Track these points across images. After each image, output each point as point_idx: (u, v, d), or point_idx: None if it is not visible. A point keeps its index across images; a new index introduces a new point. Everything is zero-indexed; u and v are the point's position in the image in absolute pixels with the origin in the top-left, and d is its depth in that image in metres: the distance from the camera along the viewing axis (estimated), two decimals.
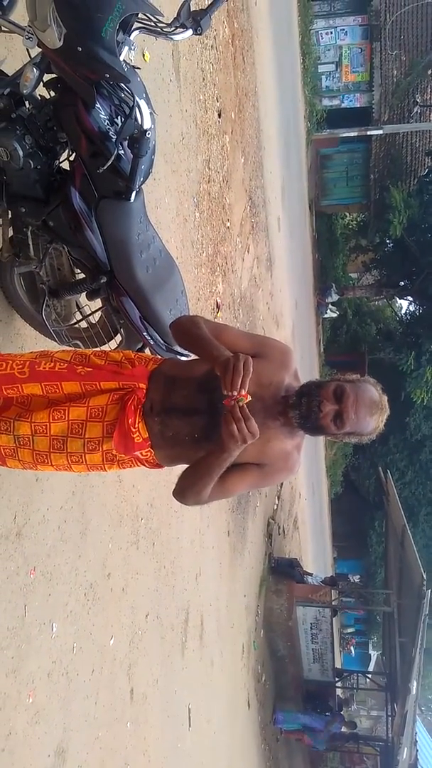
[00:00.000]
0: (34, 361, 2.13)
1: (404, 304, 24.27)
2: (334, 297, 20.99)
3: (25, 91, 2.20)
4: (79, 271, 2.67)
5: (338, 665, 14.69)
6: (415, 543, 11.62)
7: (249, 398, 1.86)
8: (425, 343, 18.79)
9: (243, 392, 1.84)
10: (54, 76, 2.22)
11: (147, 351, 2.69)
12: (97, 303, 2.74)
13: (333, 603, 11.26)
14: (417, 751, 12.11)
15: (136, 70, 2.20)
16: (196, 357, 2.16)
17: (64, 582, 3.37)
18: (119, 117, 2.19)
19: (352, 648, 27.04)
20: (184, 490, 2.08)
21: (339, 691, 13.85)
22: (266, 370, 2.09)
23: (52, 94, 2.28)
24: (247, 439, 1.84)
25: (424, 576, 9.80)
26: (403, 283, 20.83)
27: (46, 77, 2.23)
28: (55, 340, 2.87)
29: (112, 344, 2.87)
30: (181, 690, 5.46)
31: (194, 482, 2.05)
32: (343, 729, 12.19)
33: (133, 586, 4.38)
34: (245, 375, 1.83)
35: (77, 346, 2.86)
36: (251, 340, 2.18)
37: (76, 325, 2.92)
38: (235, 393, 1.84)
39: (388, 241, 20.29)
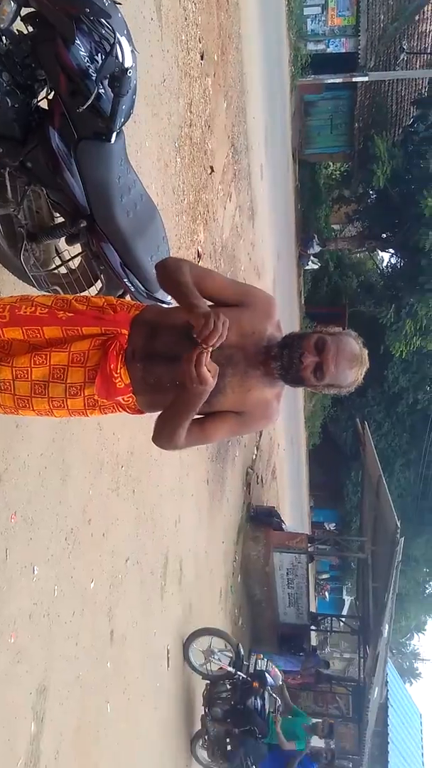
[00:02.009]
0: (15, 305, 2.11)
1: (386, 257, 24.18)
2: (316, 248, 20.83)
3: (1, 26, 2.13)
4: (58, 214, 2.63)
5: (313, 609, 15.12)
6: (390, 493, 11.85)
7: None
8: (405, 296, 18.78)
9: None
10: (32, 10, 2.15)
11: (128, 297, 2.67)
12: (77, 248, 2.71)
13: (309, 550, 11.50)
14: (387, 691, 12.60)
15: (117, 5, 2.14)
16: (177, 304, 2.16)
17: (45, 527, 3.41)
18: (99, 54, 2.13)
19: (326, 593, 27.75)
20: (158, 434, 2.11)
21: (313, 634, 14.25)
22: (249, 320, 2.10)
23: (30, 29, 2.20)
24: (195, 383, 1.87)
25: (398, 524, 10.02)
26: (385, 235, 20.70)
27: (24, 11, 2.16)
28: (34, 286, 2.84)
29: (93, 290, 2.85)
30: (160, 632, 5.61)
31: (165, 425, 2.07)
32: (319, 669, 12.58)
33: (114, 532, 4.44)
34: (221, 337, 1.85)
35: (56, 292, 2.83)
36: (236, 288, 2.18)
37: (56, 271, 2.89)
38: (208, 348, 1.86)
39: (371, 192, 20.04)
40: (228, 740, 7.01)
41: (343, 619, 17.85)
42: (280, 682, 8.08)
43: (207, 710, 6.96)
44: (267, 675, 7.34)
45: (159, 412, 2.23)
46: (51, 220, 2.66)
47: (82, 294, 2.60)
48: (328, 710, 14.22)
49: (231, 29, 8.53)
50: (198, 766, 7.32)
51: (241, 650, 7.36)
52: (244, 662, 7.39)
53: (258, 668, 7.53)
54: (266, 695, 7.23)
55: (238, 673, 7.05)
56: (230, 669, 7.08)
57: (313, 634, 14.13)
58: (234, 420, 2.15)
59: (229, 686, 7.14)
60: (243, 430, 2.25)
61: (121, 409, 2.24)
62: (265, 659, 7.73)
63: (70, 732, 3.66)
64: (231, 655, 7.31)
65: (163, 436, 2.09)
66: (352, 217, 21.82)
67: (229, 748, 7.00)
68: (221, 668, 7.16)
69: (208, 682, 7.18)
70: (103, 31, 2.11)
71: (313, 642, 14.14)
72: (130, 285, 2.63)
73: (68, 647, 3.68)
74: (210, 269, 2.37)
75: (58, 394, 2.12)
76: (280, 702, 7.72)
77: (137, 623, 4.92)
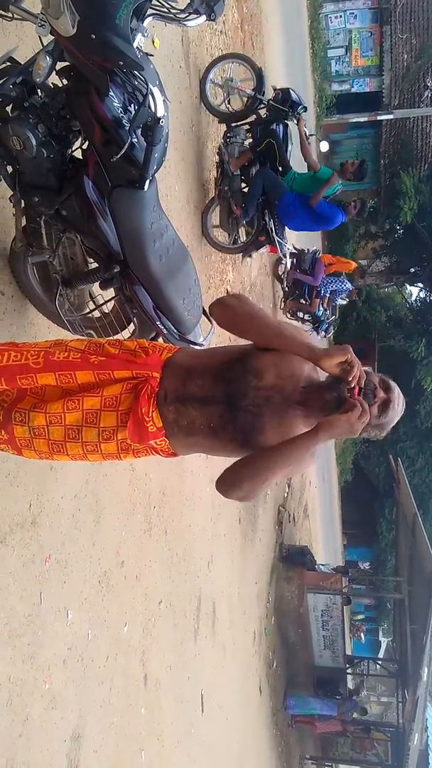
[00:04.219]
0: (48, 351, 2.13)
1: (414, 291, 24.12)
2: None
3: (38, 80, 2.19)
4: (92, 260, 2.67)
5: (348, 652, 14.78)
6: (426, 530, 11.62)
7: None
8: None
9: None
10: (67, 64, 2.21)
11: (160, 340, 2.69)
12: (111, 292, 2.74)
13: (344, 590, 11.28)
14: (428, 737, 12.15)
15: (148, 57, 2.19)
16: (211, 347, 2.16)
17: (78, 570, 3.40)
18: (133, 105, 2.18)
19: (362, 634, 27.13)
20: (240, 482, 2.03)
21: (349, 678, 13.89)
22: (288, 361, 2.09)
23: (65, 82, 2.27)
24: (352, 431, 1.96)
25: None
26: (413, 270, 20.71)
27: (59, 65, 2.22)
28: (69, 330, 2.87)
29: (125, 333, 2.87)
30: (194, 676, 5.50)
31: (258, 473, 2.00)
32: (355, 715, 12.23)
33: (147, 574, 4.40)
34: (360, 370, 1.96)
35: (90, 336, 2.86)
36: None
37: (90, 315, 2.93)
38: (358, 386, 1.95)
39: (398, 228, 20.14)
40: (244, 183, 6.05)
41: (380, 662, 17.39)
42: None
43: (223, 147, 6.02)
44: (292, 92, 6.19)
45: (191, 454, 2.22)
46: (85, 266, 2.70)
47: (114, 338, 2.62)
48: (366, 757, 13.79)
49: None
50: (214, 252, 6.45)
51: (264, 76, 6.16)
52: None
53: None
54: (288, 126, 6.17)
55: (259, 96, 5.95)
56: (250, 92, 6.00)
57: (349, 677, 13.77)
58: None
59: (248, 126, 6.11)
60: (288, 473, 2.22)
61: (154, 453, 2.23)
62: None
63: None
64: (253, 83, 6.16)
65: (248, 485, 2.02)
66: (380, 253, 21.88)
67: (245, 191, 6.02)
68: (241, 89, 6.07)
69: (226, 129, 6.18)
70: (136, 83, 2.15)
71: (350, 685, 13.79)
72: (162, 327, 2.64)
73: (102, 693, 3.63)
74: None
75: (91, 438, 2.11)
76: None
77: (171, 667, 4.84)
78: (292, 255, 8.65)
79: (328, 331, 11.53)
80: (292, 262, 9.20)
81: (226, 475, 2.06)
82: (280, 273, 10.15)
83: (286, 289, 10.18)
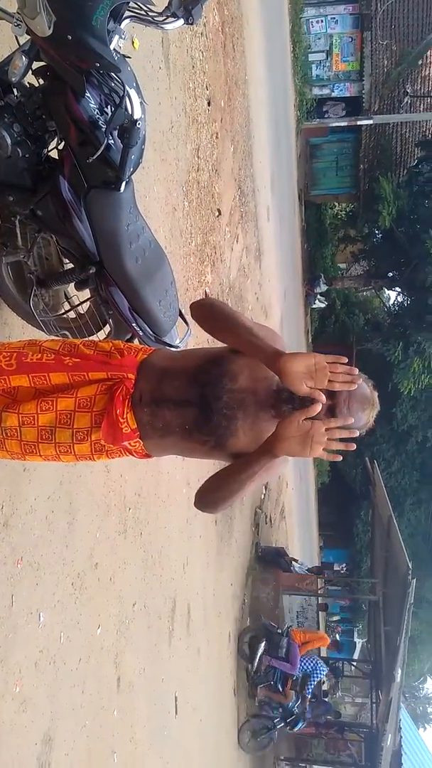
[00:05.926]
0: (22, 352, 2.11)
1: (392, 295, 24.33)
2: (323, 287, 21.00)
3: (13, 79, 2.18)
4: (67, 261, 2.66)
5: (324, 654, 14.81)
6: (401, 532, 11.72)
7: None
8: (413, 334, 18.86)
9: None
10: (43, 63, 2.20)
11: (136, 341, 2.68)
12: (86, 293, 2.73)
13: (319, 591, 11.33)
14: (401, 737, 12.24)
15: (126, 59, 2.19)
16: (188, 348, 2.16)
17: (51, 572, 3.37)
18: (109, 106, 2.17)
19: (337, 635, 27.21)
20: (217, 502, 2.07)
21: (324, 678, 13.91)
22: (260, 363, 2.08)
23: (41, 82, 2.26)
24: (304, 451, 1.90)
25: (410, 565, 9.88)
26: (391, 274, 20.86)
27: (35, 65, 2.21)
28: (43, 330, 2.86)
29: (101, 335, 2.86)
30: (168, 678, 5.49)
31: (227, 490, 2.03)
32: (329, 717, 12.27)
33: (121, 576, 4.39)
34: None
35: (65, 337, 2.85)
36: None
37: (65, 316, 2.91)
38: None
39: (377, 232, 20.29)
40: None
41: (355, 663, 17.46)
42: None
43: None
44: None
45: (166, 456, 2.21)
46: (60, 267, 2.69)
47: (89, 339, 2.62)
48: (339, 757, 13.85)
49: (237, 76, 8.73)
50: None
51: None
52: None
53: None
54: None
55: None
56: None
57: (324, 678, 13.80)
58: None
59: None
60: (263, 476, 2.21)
61: (128, 454, 2.22)
62: None
63: None
64: None
65: (217, 501, 2.07)
66: (359, 257, 22.04)
67: None
68: None
69: None
70: (113, 84, 2.15)
71: (324, 686, 13.83)
72: (138, 329, 2.64)
73: (74, 695, 3.61)
74: None
75: (64, 439, 2.10)
76: None
77: (144, 670, 4.83)
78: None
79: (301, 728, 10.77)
80: (265, 648, 9.12)
81: (201, 495, 2.09)
82: (247, 652, 9.45)
83: (253, 674, 9.54)
